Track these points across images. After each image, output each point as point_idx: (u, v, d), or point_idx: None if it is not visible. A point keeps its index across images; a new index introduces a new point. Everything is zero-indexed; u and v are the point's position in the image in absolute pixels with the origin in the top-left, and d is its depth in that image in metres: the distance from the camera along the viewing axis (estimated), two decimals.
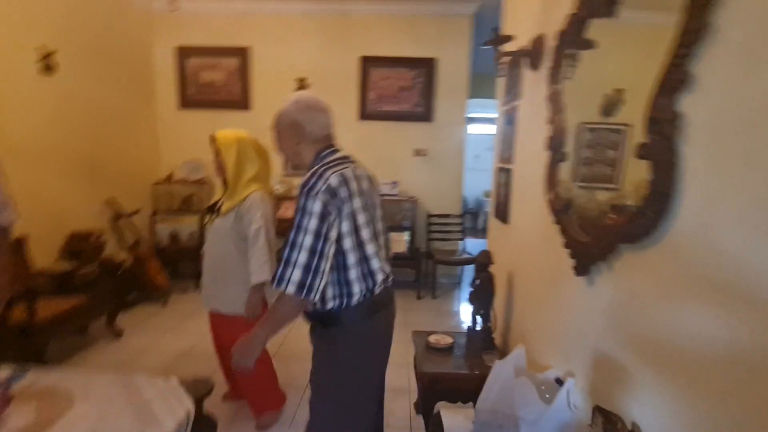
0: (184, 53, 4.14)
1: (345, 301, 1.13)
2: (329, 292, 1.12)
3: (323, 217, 1.03)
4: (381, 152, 4.18)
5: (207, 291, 1.86)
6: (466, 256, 3.99)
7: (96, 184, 3.35)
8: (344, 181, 1.09)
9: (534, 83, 1.79)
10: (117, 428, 1.09)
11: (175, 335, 2.94)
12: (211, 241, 1.83)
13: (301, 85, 4.05)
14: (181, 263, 4.13)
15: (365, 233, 1.12)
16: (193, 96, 4.22)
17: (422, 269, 3.90)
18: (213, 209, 1.86)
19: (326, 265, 1.05)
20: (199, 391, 1.32)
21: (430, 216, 4.16)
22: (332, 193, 1.05)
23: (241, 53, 4.11)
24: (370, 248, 1.14)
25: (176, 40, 4.13)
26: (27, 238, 2.69)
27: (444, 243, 4.15)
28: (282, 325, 1.12)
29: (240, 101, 4.17)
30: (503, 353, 1.82)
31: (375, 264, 1.15)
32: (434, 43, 4.02)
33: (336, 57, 4.08)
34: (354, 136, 4.17)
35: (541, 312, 1.60)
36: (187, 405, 1.21)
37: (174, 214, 4.05)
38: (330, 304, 1.13)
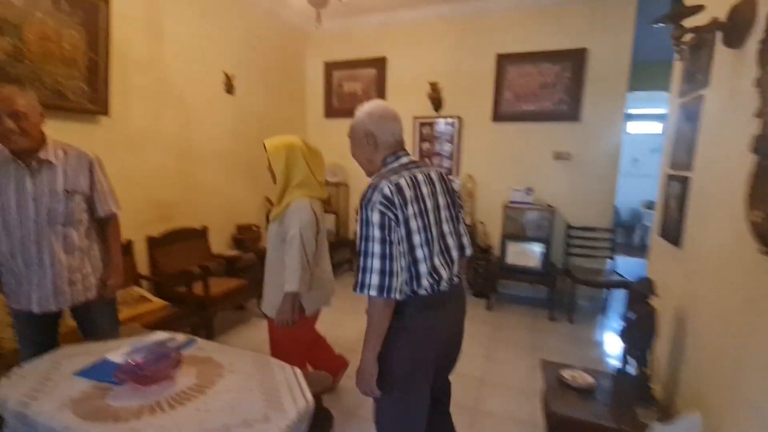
0: (330, 67, 4.58)
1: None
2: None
3: (383, 224, 1.11)
4: (515, 155, 3.87)
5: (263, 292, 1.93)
6: (616, 278, 3.38)
7: (257, 183, 3.94)
8: (398, 190, 1.14)
9: (733, 65, 1.37)
10: (248, 406, 1.21)
11: None
12: (268, 247, 1.87)
13: (434, 88, 4.04)
14: None
15: (416, 239, 1.17)
16: (337, 106, 4.63)
17: (557, 288, 3.46)
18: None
19: (398, 265, 1.12)
20: (320, 385, 1.38)
21: (571, 228, 3.66)
22: (387, 202, 1.12)
23: (378, 63, 4.33)
24: (419, 252, 1.17)
25: (324, 55, 4.59)
26: (208, 228, 3.34)
27: (587, 260, 3.61)
28: (381, 331, 1.16)
29: None
30: (665, 411, 1.44)
31: (423, 268, 1.18)
32: (584, 32, 3.52)
33: (470, 58, 3.94)
34: (486, 139, 3.97)
35: (735, 372, 1.19)
36: (308, 397, 1.28)
37: None
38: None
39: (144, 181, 2.81)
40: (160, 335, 1.66)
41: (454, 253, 1.28)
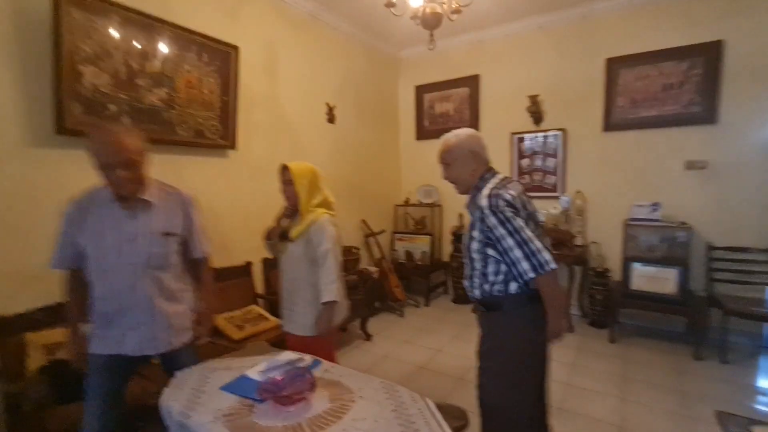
0: (421, 90, 4.63)
1: (506, 289, 1.41)
2: (497, 280, 1.42)
3: (517, 215, 1.34)
4: (634, 167, 3.45)
5: (285, 314, 1.94)
6: None
7: (355, 206, 4.07)
8: (514, 198, 1.37)
9: None
10: None
11: (411, 347, 3.17)
12: (287, 268, 1.90)
13: (533, 101, 3.83)
14: (414, 279, 4.51)
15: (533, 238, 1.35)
16: (428, 127, 4.64)
17: (700, 320, 2.91)
18: (285, 236, 1.89)
19: (540, 242, 1.33)
20: (456, 419, 1.28)
21: (714, 249, 3.10)
22: (511, 204, 1.35)
23: (471, 82, 4.26)
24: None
25: (416, 79, 4.66)
26: None
27: (738, 287, 3.00)
28: (562, 295, 1.41)
29: (470, 127, 4.29)
30: None
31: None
32: (717, 22, 3.06)
33: (573, 66, 3.67)
34: (597, 151, 3.62)
35: None
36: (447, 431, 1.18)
37: (410, 233, 4.50)
38: (496, 289, 1.43)
39: (261, 206, 3.05)
40: (289, 355, 1.71)
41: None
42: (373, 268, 3.92)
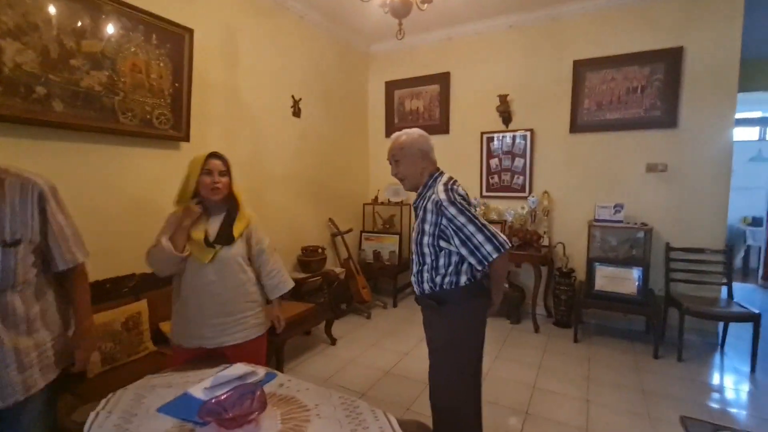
0: (391, 86, 4.52)
1: (456, 283, 1.49)
2: (448, 272, 1.49)
3: (470, 205, 1.47)
4: (599, 169, 3.50)
5: (220, 328, 1.67)
6: (736, 309, 2.85)
7: (321, 204, 3.91)
8: (465, 194, 1.53)
9: None
10: None
11: (378, 351, 3.06)
12: (220, 276, 1.63)
13: (503, 101, 3.82)
14: (382, 279, 4.41)
15: None
16: (397, 125, 4.53)
17: (659, 319, 2.99)
18: (220, 239, 1.64)
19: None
20: None
21: (672, 249, 3.19)
22: (465, 197, 1.50)
23: (442, 79, 4.20)
24: None
25: (386, 75, 4.55)
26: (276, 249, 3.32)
27: (694, 287, 3.10)
28: (505, 277, 1.71)
29: (440, 125, 4.25)
30: None
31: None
32: (679, 29, 3.15)
33: (542, 67, 3.69)
34: (564, 152, 3.65)
35: None
36: None
37: (378, 233, 4.39)
38: (446, 281, 1.49)
39: None
40: (241, 368, 1.56)
41: None
42: (339, 269, 3.78)
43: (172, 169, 2.52)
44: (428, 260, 1.51)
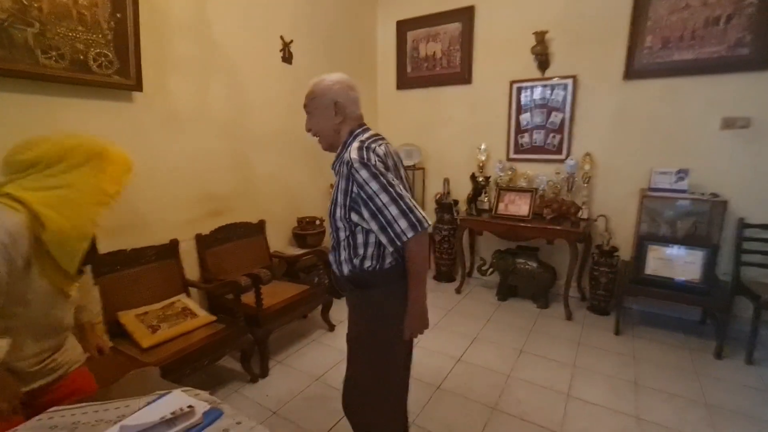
0: (403, 26, 3.82)
1: (379, 264, 1.21)
2: (368, 253, 1.21)
3: (387, 170, 1.16)
4: (659, 125, 2.83)
5: (51, 365, 1.20)
6: None
7: (320, 168, 3.39)
8: (387, 154, 1.22)
9: None
10: None
11: None
12: (46, 303, 1.12)
13: (539, 40, 3.10)
14: None
15: None
16: (410, 74, 3.88)
17: (725, 311, 2.44)
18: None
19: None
20: None
21: (747, 226, 2.57)
22: (383, 160, 1.18)
23: (464, 15, 3.47)
24: None
25: (398, 13, 3.84)
26: (265, 222, 2.87)
27: None
28: (427, 266, 1.22)
29: (460, 74, 3.57)
30: None
31: None
32: None
33: None
34: (614, 105, 2.98)
35: None
36: None
37: None
38: (367, 264, 1.22)
39: (190, 169, 2.37)
40: (175, 399, 1.14)
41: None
42: None
43: (125, 125, 2.04)
44: (342, 236, 1.24)
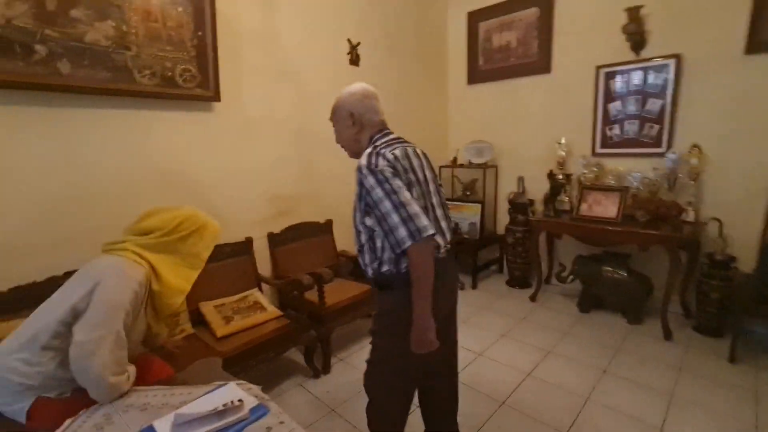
0: (475, 17, 3.64)
1: (396, 268, 1.21)
2: (386, 257, 1.22)
3: (397, 175, 1.16)
4: None
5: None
6: None
7: None
8: (396, 159, 1.19)
9: None
10: None
11: None
12: None
13: (633, 16, 2.70)
14: (459, 255, 3.81)
15: None
16: (482, 67, 3.69)
17: None
18: None
19: (419, 206, 1.15)
20: None
21: None
22: (392, 166, 1.16)
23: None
24: None
25: (468, 4, 3.67)
26: (332, 221, 2.95)
27: None
28: (431, 280, 1.14)
29: (538, 62, 3.29)
30: None
31: None
32: None
33: None
34: (731, 87, 2.52)
35: None
36: None
37: (455, 200, 3.74)
38: (385, 268, 1.23)
39: (261, 172, 2.53)
40: (229, 392, 1.20)
41: (443, 224, 1.30)
42: None
43: (204, 133, 2.24)
44: (363, 239, 1.27)
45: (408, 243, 1.10)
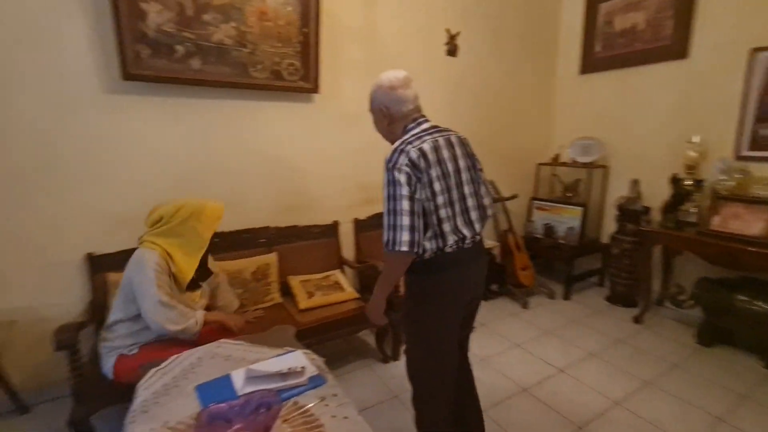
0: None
1: (420, 255, 1.25)
2: None
3: (409, 183, 1.18)
4: None
5: None
6: None
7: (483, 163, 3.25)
8: (422, 154, 1.20)
9: None
10: None
11: (523, 355, 2.39)
12: None
13: None
14: (553, 262, 3.51)
15: (440, 199, 1.22)
16: (599, 54, 3.28)
17: None
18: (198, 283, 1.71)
19: (421, 222, 1.20)
20: None
21: None
22: (413, 164, 1.18)
23: None
24: (443, 212, 1.23)
25: None
26: None
27: None
28: (395, 280, 1.30)
29: (671, 46, 2.80)
30: None
31: (447, 227, 1.24)
32: None
33: None
34: None
35: None
36: None
37: (554, 202, 3.43)
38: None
39: (351, 161, 2.66)
40: (295, 358, 1.32)
41: (474, 214, 1.32)
42: (491, 243, 3.14)
43: (304, 122, 2.44)
44: None
45: (385, 248, 1.19)
